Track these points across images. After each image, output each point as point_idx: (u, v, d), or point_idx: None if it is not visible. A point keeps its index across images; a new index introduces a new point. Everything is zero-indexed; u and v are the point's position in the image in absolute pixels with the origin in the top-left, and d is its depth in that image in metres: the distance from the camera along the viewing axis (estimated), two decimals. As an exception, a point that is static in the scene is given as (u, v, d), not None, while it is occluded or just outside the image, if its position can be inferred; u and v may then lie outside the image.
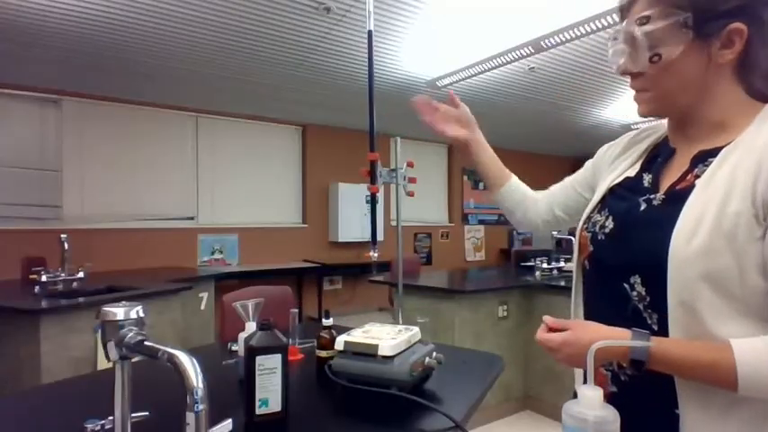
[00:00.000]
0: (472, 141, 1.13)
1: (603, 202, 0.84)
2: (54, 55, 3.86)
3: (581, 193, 1.01)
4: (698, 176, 0.71)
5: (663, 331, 0.69)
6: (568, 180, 1.06)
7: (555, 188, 1.09)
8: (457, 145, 1.14)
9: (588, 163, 1.01)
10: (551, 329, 0.76)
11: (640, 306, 0.73)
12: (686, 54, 0.71)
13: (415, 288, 3.28)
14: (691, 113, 0.75)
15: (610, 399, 0.77)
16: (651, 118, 0.81)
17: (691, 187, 0.70)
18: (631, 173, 0.84)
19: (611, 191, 0.85)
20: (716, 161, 0.70)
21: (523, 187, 1.14)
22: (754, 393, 0.61)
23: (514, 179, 1.14)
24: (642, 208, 0.75)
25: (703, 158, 0.72)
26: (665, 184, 0.76)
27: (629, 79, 0.79)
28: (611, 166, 0.91)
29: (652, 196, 0.76)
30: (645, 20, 0.72)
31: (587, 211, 0.87)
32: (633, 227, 0.75)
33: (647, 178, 0.80)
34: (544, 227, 1.11)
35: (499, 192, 1.13)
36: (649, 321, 0.72)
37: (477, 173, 1.16)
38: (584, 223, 0.86)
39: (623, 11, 0.77)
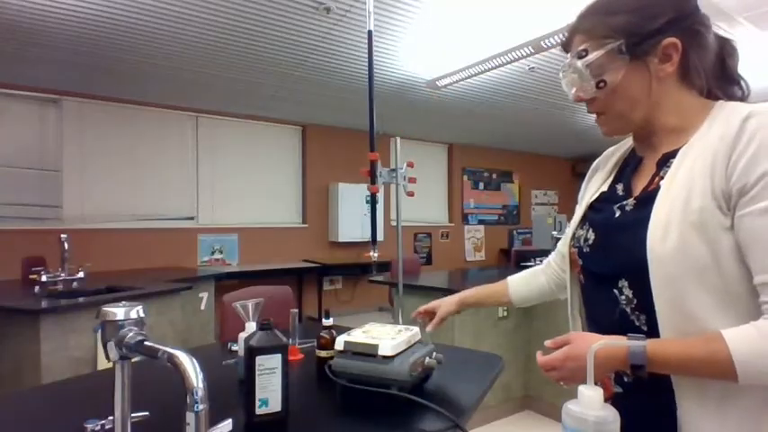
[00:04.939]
0: (462, 306, 1.27)
1: (584, 218, 0.88)
2: (54, 55, 3.86)
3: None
4: (663, 177, 0.74)
5: (652, 331, 0.70)
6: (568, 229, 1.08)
7: (559, 244, 1.12)
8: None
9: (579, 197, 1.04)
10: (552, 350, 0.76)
11: (627, 309, 0.74)
12: (628, 75, 0.75)
13: (415, 288, 3.27)
14: (649, 125, 0.79)
15: (614, 399, 0.77)
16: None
17: (657, 189, 0.73)
18: (605, 187, 0.87)
19: (591, 206, 0.88)
20: (675, 161, 0.73)
21: (523, 279, 1.19)
22: (755, 381, 0.61)
23: (511, 283, 1.21)
24: (617, 215, 0.79)
25: (666, 160, 0.76)
26: (637, 189, 0.80)
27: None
28: (587, 187, 0.95)
29: (625, 202, 0.78)
30: (584, 53, 0.77)
31: (571, 228, 0.90)
32: (612, 234, 0.78)
33: (619, 188, 0.83)
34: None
35: (513, 302, 1.20)
36: (637, 323, 0.73)
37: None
38: (571, 240, 0.89)
39: (566, 47, 0.83)
